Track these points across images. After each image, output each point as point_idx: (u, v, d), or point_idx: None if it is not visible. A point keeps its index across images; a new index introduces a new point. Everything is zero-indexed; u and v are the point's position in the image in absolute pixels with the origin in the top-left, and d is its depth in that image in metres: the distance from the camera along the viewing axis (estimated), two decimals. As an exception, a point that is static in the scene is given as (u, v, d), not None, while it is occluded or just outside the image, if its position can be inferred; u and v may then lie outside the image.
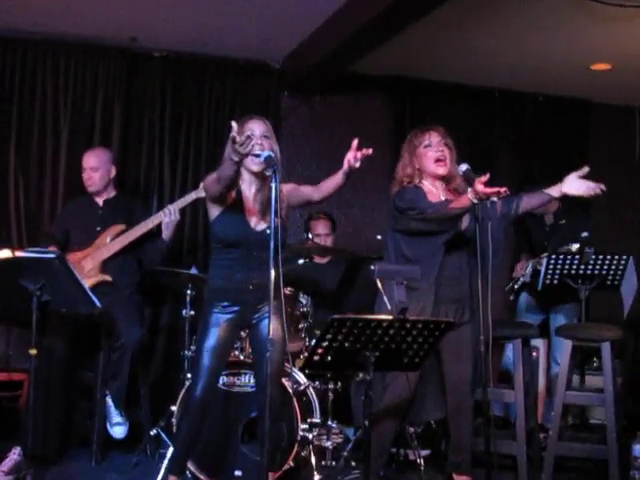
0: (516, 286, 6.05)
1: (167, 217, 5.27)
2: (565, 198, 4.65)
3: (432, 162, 4.33)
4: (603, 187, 4.44)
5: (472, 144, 6.69)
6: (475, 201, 3.96)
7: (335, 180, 3.88)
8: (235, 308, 4.02)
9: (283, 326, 3.89)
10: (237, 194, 4.00)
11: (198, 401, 3.99)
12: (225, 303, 4.01)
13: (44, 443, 4.92)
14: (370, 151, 3.69)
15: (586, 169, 4.42)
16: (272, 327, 3.66)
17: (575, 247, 5.59)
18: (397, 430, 4.57)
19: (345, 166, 3.76)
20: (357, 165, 3.70)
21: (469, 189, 4.00)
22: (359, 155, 3.69)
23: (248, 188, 4.03)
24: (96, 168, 5.46)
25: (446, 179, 4.41)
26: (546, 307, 6.09)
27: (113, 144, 6.30)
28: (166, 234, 5.32)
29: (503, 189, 3.88)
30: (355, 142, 3.71)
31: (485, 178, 3.90)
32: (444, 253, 4.28)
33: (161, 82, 6.60)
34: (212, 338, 3.99)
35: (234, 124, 3.57)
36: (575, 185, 4.44)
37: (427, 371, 4.38)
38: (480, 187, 3.88)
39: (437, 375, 4.46)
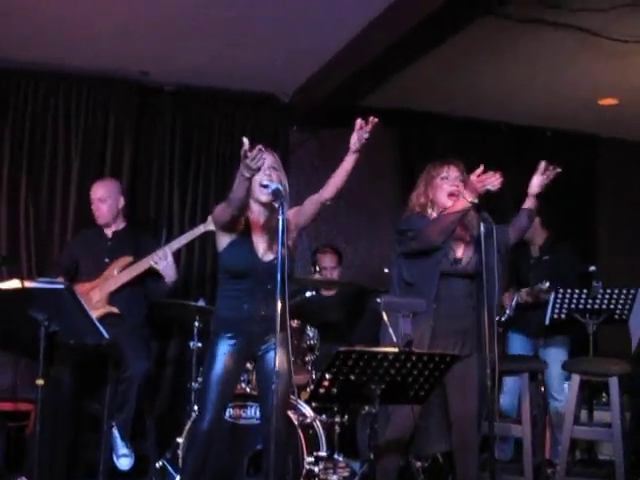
0: (503, 319, 6.01)
1: (157, 264, 5.27)
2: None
3: (445, 195, 4.35)
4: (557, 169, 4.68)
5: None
6: (473, 200, 4.01)
7: (343, 167, 3.92)
8: (240, 339, 4.01)
9: (289, 358, 3.88)
10: (245, 225, 4.02)
11: (205, 433, 3.97)
12: (232, 334, 4.01)
13: (50, 473, 4.91)
14: (376, 120, 3.71)
15: (542, 164, 4.69)
16: (278, 359, 3.67)
17: (546, 285, 5.57)
18: (402, 463, 4.54)
19: (354, 147, 3.80)
20: (366, 137, 3.74)
21: (464, 190, 4.05)
22: (367, 128, 3.73)
23: (257, 219, 4.05)
24: (104, 199, 5.49)
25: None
26: (534, 341, 6.09)
27: (123, 176, 6.35)
28: (168, 279, 5.33)
29: (497, 174, 3.94)
30: (358, 121, 3.74)
31: (479, 171, 3.96)
32: (448, 287, 4.28)
33: (171, 115, 6.66)
34: (218, 368, 3.98)
35: (245, 140, 3.59)
36: (535, 182, 4.67)
37: (431, 403, 4.36)
38: (474, 178, 3.94)
39: (441, 407, 4.44)
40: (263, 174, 3.91)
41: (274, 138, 6.80)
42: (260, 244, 4.01)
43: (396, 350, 3.45)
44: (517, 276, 6.16)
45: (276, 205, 3.77)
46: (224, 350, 4.01)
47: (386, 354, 3.39)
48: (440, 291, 4.25)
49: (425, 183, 4.46)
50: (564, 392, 6.13)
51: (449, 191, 4.34)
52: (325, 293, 5.91)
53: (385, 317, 3.87)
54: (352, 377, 3.42)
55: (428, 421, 4.47)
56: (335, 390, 3.47)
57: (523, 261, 6.12)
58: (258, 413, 4.66)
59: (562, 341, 6.00)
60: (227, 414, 4.62)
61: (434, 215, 4.40)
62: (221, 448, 4.56)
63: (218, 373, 3.98)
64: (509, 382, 6.03)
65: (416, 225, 4.33)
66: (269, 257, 3.96)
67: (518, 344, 6.07)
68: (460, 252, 4.33)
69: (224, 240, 4.02)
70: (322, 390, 3.47)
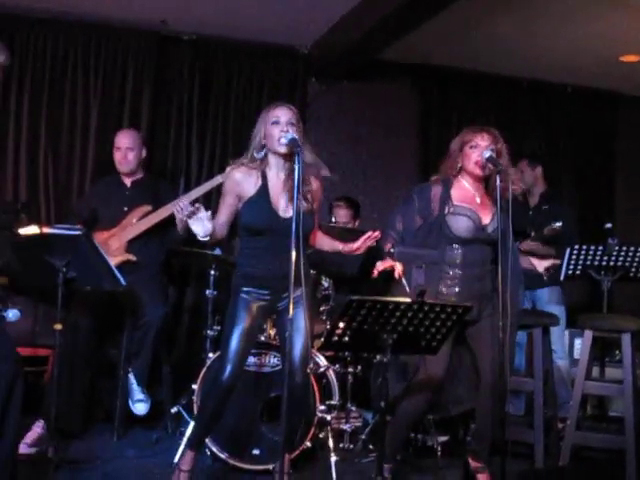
0: None
1: (179, 213, 5.28)
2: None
3: (472, 163, 4.34)
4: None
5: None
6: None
7: (334, 247, 4.24)
8: (264, 292, 4.04)
9: (310, 314, 3.98)
10: (263, 181, 4.02)
11: (226, 384, 4.00)
12: (254, 289, 4.03)
13: (67, 417, 4.98)
14: (377, 234, 3.99)
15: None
16: (298, 315, 3.78)
17: (558, 225, 5.55)
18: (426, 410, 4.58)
19: (346, 249, 4.07)
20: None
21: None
22: (368, 243, 3.99)
23: (276, 175, 4.03)
24: (132, 148, 5.52)
25: (486, 182, 4.43)
26: (531, 293, 6.13)
27: (142, 125, 6.38)
28: (179, 228, 5.34)
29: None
30: (368, 233, 4.00)
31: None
32: (473, 252, 4.31)
33: (190, 65, 6.66)
34: (241, 323, 4.01)
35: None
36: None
37: (456, 365, 4.41)
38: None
39: (467, 369, 4.48)
40: (280, 130, 3.92)
41: (292, 89, 6.82)
42: (281, 200, 4.00)
43: (408, 300, 3.48)
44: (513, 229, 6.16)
45: (294, 153, 3.77)
46: (246, 304, 4.03)
47: (398, 304, 3.42)
48: (465, 257, 4.28)
49: (456, 148, 4.43)
50: (564, 347, 6.18)
51: (476, 159, 4.33)
52: (340, 244, 5.91)
53: (399, 268, 3.90)
54: (365, 326, 3.46)
55: (450, 384, 4.51)
56: (347, 338, 3.51)
57: (520, 213, 6.06)
58: (272, 361, 4.73)
59: (559, 296, 6.04)
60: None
61: (462, 182, 4.40)
62: (235, 396, 4.61)
63: (241, 327, 4.00)
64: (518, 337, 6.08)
65: (395, 215, 4.43)
66: (289, 214, 3.90)
67: None
68: (487, 219, 4.34)
69: (242, 197, 4.05)
70: (335, 338, 3.51)
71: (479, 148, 4.31)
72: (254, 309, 4.04)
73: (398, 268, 4.06)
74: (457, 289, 4.25)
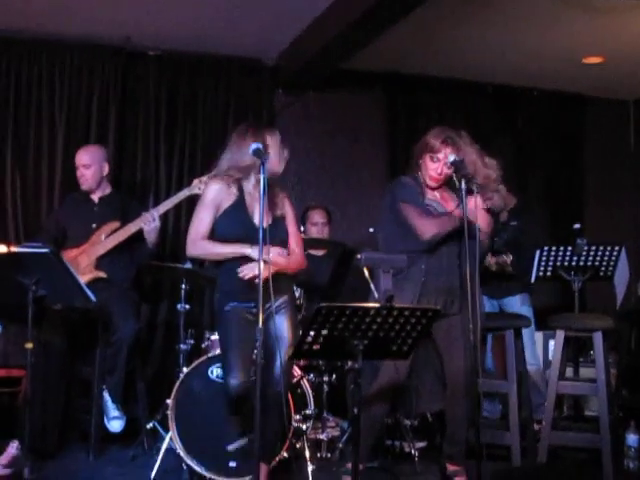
0: None
1: (147, 225, 5.28)
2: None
3: (428, 175, 4.39)
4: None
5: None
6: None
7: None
8: (248, 304, 4.04)
9: (294, 322, 4.11)
10: (239, 192, 4.06)
11: (235, 394, 4.03)
12: (240, 303, 4.06)
13: (42, 437, 4.95)
14: None
15: None
16: (281, 324, 3.91)
17: (510, 258, 5.66)
18: (388, 422, 4.59)
19: None
20: None
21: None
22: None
23: (252, 185, 4.07)
24: (88, 165, 5.49)
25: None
26: (498, 301, 6.20)
27: (109, 142, 6.36)
28: (149, 241, 5.34)
29: None
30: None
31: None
32: (437, 245, 4.33)
33: (156, 80, 6.66)
34: (235, 334, 4.05)
35: None
36: None
37: (422, 364, 4.42)
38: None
39: (434, 367, 4.49)
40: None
41: (259, 101, 6.83)
42: (257, 209, 3.99)
43: (377, 305, 3.48)
44: None
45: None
46: (233, 317, 4.06)
47: (367, 309, 3.42)
48: (430, 250, 4.31)
49: (419, 151, 4.46)
50: (534, 351, 6.20)
51: (431, 175, 4.37)
52: (313, 252, 5.92)
53: (366, 273, 3.91)
54: (335, 333, 3.45)
55: (419, 381, 4.52)
56: (318, 346, 3.50)
57: None
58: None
59: (526, 301, 6.09)
60: (214, 374, 4.65)
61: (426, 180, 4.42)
62: (210, 408, 4.60)
63: (235, 338, 4.04)
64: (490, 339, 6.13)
65: (410, 199, 4.38)
66: (265, 223, 3.88)
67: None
68: (450, 209, 4.37)
69: (220, 208, 4.07)
70: (305, 347, 3.50)
71: (439, 163, 4.33)
72: (243, 318, 4.06)
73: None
74: (422, 281, 4.27)
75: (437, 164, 4.34)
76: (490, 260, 5.84)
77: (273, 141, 4.07)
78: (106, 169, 5.57)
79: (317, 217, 6.07)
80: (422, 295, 4.26)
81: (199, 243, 4.09)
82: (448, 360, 4.39)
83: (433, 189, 4.46)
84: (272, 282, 3.74)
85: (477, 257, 4.07)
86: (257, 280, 3.73)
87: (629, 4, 5.49)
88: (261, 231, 3.63)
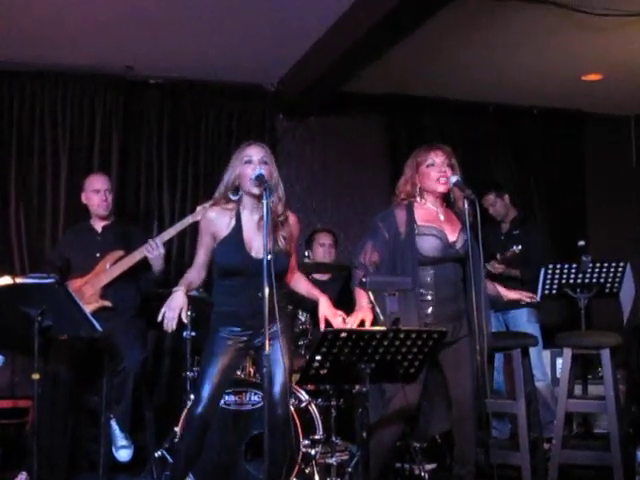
0: None
1: (150, 253, 5.28)
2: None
3: (433, 181, 4.34)
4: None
5: (468, 159, 6.71)
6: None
7: (311, 294, 4.25)
8: (243, 332, 4.03)
9: (289, 348, 4.02)
10: (237, 222, 4.03)
11: (198, 418, 4.00)
12: (232, 328, 4.04)
13: (50, 468, 4.94)
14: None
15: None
16: (277, 350, 3.83)
17: (518, 248, 5.61)
18: (397, 445, 4.57)
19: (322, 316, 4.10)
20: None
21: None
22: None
23: (250, 215, 4.05)
24: (110, 190, 5.56)
25: (448, 201, 4.45)
26: (503, 316, 6.23)
27: (112, 171, 6.39)
28: (156, 269, 5.35)
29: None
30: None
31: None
32: (444, 272, 4.30)
33: (158, 109, 6.71)
34: (218, 361, 4.01)
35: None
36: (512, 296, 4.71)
37: (432, 387, 4.40)
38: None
39: (440, 389, 4.47)
40: (252, 169, 3.94)
41: (261, 127, 6.87)
42: (254, 241, 3.99)
43: (383, 328, 3.48)
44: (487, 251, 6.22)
45: (258, 193, 3.84)
46: (223, 344, 4.03)
47: (373, 333, 3.42)
48: (436, 277, 4.27)
49: (412, 170, 4.42)
50: (542, 367, 6.19)
51: (437, 177, 4.34)
52: (318, 277, 5.93)
53: (371, 296, 3.90)
54: (341, 357, 3.44)
55: (429, 405, 4.50)
56: (325, 371, 3.49)
57: (492, 237, 6.12)
58: (253, 398, 4.71)
59: (534, 316, 6.08)
60: (222, 401, 4.65)
61: (423, 203, 4.40)
62: (218, 435, 4.60)
63: (216, 367, 4.00)
64: (498, 359, 6.11)
65: (364, 243, 4.42)
66: (262, 254, 3.82)
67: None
68: (454, 236, 4.35)
69: (217, 237, 4.06)
70: (312, 372, 3.49)
71: (436, 165, 4.32)
72: (232, 348, 4.04)
73: (368, 318, 4.09)
74: (431, 310, 4.25)
75: (436, 167, 4.34)
76: (495, 265, 5.83)
77: (256, 155, 4.03)
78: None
79: (324, 239, 6.11)
80: (432, 325, 4.23)
81: (189, 271, 4.15)
82: (455, 381, 4.36)
83: (440, 200, 4.41)
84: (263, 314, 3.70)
85: (482, 277, 4.07)
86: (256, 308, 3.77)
87: (626, 20, 5.51)
88: (265, 261, 3.63)
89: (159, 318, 3.94)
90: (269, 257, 3.65)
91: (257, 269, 3.75)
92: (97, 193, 5.52)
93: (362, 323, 4.08)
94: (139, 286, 5.49)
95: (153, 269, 5.33)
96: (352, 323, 4.07)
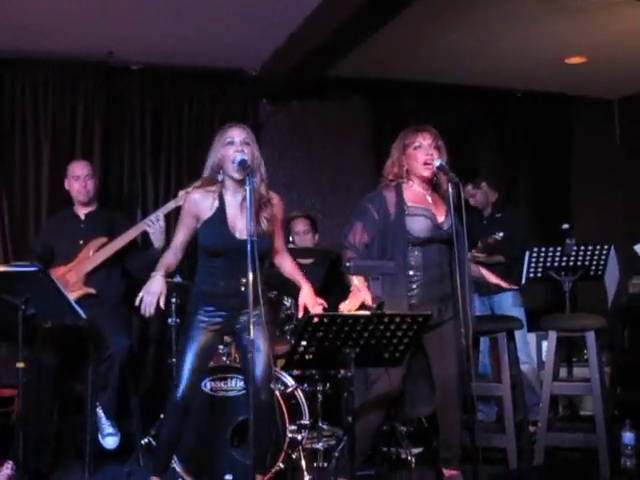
0: None
1: (151, 227, 5.27)
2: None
3: (421, 164, 4.34)
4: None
5: (453, 143, 6.68)
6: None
7: (295, 280, 4.28)
8: (221, 313, 4.06)
9: (266, 334, 3.98)
10: (220, 203, 4.04)
11: (179, 401, 4.02)
12: (211, 308, 4.06)
13: (36, 456, 4.91)
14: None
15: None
16: (257, 336, 3.74)
17: (500, 235, 5.64)
18: (383, 428, 4.57)
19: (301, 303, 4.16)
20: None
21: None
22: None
23: (233, 197, 4.06)
24: (91, 176, 5.52)
25: (433, 183, 4.44)
26: (487, 299, 6.28)
27: (95, 157, 6.36)
28: (157, 244, 5.31)
29: None
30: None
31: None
32: (430, 253, 4.31)
33: (140, 94, 6.67)
34: (195, 342, 4.04)
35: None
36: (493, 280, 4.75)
37: (416, 370, 4.40)
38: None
39: (424, 372, 4.48)
40: (235, 150, 3.93)
41: (244, 112, 6.84)
42: (237, 222, 4.01)
43: (367, 313, 3.47)
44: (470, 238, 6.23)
45: (241, 177, 3.84)
46: (201, 324, 4.06)
47: (357, 317, 3.42)
48: (424, 259, 4.27)
49: (399, 152, 4.43)
50: (527, 350, 6.21)
51: (423, 160, 4.33)
52: (301, 261, 5.91)
53: (355, 281, 3.90)
54: (326, 342, 3.45)
55: (413, 387, 4.50)
56: (310, 356, 3.49)
57: (475, 223, 6.12)
58: (239, 385, 4.70)
59: (518, 300, 6.10)
60: (208, 387, 4.65)
61: (410, 185, 4.39)
62: (203, 421, 4.60)
63: (194, 346, 4.04)
64: (483, 342, 6.13)
65: (350, 225, 4.40)
66: (245, 235, 3.83)
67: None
68: (441, 217, 4.35)
69: (200, 219, 4.06)
70: (297, 357, 3.49)
71: (423, 147, 4.32)
72: (210, 330, 4.07)
73: (367, 299, 4.07)
74: (417, 292, 4.25)
75: (422, 149, 4.33)
76: (478, 252, 5.84)
77: (238, 137, 4.04)
78: (97, 183, 5.60)
79: (299, 226, 6.08)
80: (417, 305, 4.23)
81: (166, 254, 4.19)
82: (439, 364, 4.37)
83: (426, 183, 4.41)
84: (244, 295, 3.73)
85: (468, 263, 4.07)
86: (243, 288, 3.81)
87: (609, 2, 5.50)
88: (249, 243, 3.62)
89: (136, 302, 3.94)
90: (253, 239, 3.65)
91: (240, 249, 3.77)
92: (77, 180, 5.50)
93: (363, 305, 4.08)
94: (125, 272, 5.46)
95: (154, 245, 5.29)
96: (350, 308, 4.06)
